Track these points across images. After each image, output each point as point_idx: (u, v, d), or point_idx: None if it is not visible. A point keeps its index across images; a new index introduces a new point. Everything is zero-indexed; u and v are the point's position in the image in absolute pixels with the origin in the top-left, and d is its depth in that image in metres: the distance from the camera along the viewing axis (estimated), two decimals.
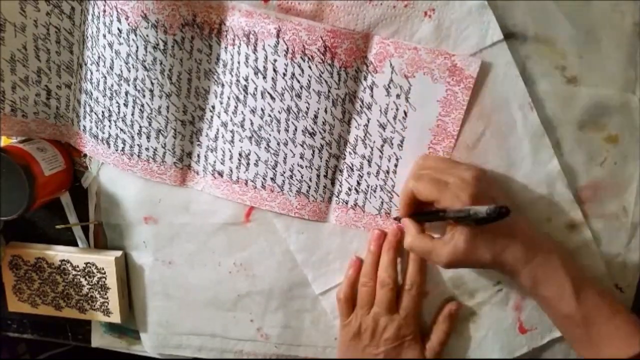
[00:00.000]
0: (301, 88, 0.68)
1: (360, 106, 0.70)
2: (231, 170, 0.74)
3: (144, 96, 0.71)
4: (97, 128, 0.75)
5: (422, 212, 0.69)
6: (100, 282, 0.83)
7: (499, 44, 0.64)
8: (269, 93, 0.69)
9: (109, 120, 0.74)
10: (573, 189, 0.70)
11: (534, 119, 0.67)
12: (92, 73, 0.73)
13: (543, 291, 0.65)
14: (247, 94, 0.70)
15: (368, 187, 0.74)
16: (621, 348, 0.62)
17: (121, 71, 0.70)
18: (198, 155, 0.76)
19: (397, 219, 0.73)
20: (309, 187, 0.74)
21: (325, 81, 0.68)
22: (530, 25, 0.64)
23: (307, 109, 0.69)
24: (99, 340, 0.93)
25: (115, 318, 0.85)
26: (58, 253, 0.83)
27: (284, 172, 0.73)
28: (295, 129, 0.70)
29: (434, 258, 0.65)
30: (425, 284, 0.75)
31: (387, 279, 0.73)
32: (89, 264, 0.82)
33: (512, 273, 0.65)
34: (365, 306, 0.75)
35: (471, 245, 0.62)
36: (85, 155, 0.80)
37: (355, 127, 0.71)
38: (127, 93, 0.72)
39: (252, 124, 0.71)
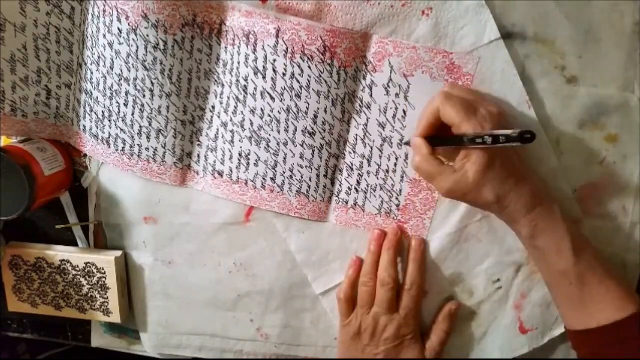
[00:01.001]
0: (301, 88, 0.68)
1: (360, 106, 0.70)
2: (231, 171, 0.75)
3: (144, 96, 0.71)
4: (97, 128, 0.76)
5: (436, 136, 0.66)
6: (100, 282, 0.83)
7: (497, 42, 0.65)
8: (268, 93, 0.69)
9: (109, 120, 0.74)
10: (572, 188, 0.70)
11: (532, 116, 0.67)
12: (92, 73, 0.73)
13: (542, 242, 0.64)
14: (247, 94, 0.70)
15: (368, 187, 0.74)
16: (610, 311, 0.63)
17: (121, 71, 0.70)
18: (198, 156, 0.76)
19: (407, 143, 0.70)
20: (309, 187, 0.74)
21: (325, 81, 0.68)
22: (529, 25, 0.65)
23: (307, 109, 0.69)
24: (99, 340, 0.93)
25: (115, 318, 0.85)
26: (58, 253, 0.83)
27: (284, 172, 0.73)
28: (295, 129, 0.71)
29: (438, 183, 0.64)
30: (425, 284, 0.75)
31: (388, 279, 0.72)
32: (89, 264, 0.82)
33: (511, 219, 0.64)
34: (365, 306, 0.75)
35: (480, 179, 0.60)
36: (85, 155, 0.80)
37: (355, 127, 0.71)
38: (127, 93, 0.72)
39: (252, 124, 0.71)
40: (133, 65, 0.69)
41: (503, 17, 0.64)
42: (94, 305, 0.85)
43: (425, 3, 0.64)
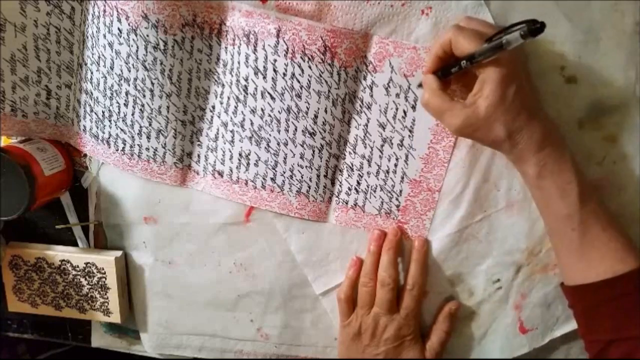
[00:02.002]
0: (301, 88, 0.68)
1: (360, 106, 0.70)
2: (231, 170, 0.75)
3: (144, 96, 0.71)
4: (97, 128, 0.76)
5: (445, 67, 0.63)
6: (100, 282, 0.83)
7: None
8: (269, 93, 0.69)
9: (109, 120, 0.74)
10: None
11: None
12: (92, 73, 0.73)
13: (548, 183, 0.62)
14: (247, 94, 0.70)
15: (368, 187, 0.74)
16: (610, 261, 0.62)
17: (121, 71, 0.70)
18: (198, 155, 0.76)
19: (420, 86, 0.67)
20: (309, 187, 0.74)
21: (325, 81, 0.68)
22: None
23: (307, 108, 0.69)
24: (99, 340, 0.93)
25: (115, 318, 0.85)
26: (58, 253, 0.83)
27: (284, 172, 0.73)
28: (295, 129, 0.71)
29: (448, 119, 0.62)
30: (426, 284, 0.76)
31: (388, 279, 0.72)
32: (89, 264, 0.82)
33: (519, 158, 0.62)
34: (365, 306, 0.75)
35: (491, 113, 0.58)
36: (85, 155, 0.80)
37: (355, 127, 0.71)
38: (127, 93, 0.72)
39: (252, 124, 0.71)
40: (133, 65, 0.69)
41: (502, 16, 0.64)
42: (94, 305, 0.85)
43: (425, 2, 0.64)
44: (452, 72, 0.62)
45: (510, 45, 0.53)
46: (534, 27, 0.50)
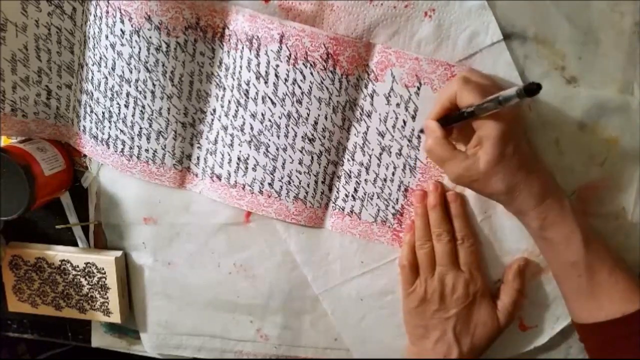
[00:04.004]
0: (302, 94, 0.68)
1: (360, 114, 0.70)
2: (229, 174, 0.75)
3: (145, 97, 0.71)
4: (97, 129, 0.76)
5: (447, 116, 0.65)
6: (100, 282, 0.83)
7: (499, 44, 0.64)
8: (269, 98, 0.69)
9: (109, 121, 0.74)
10: (572, 189, 0.70)
11: (532, 117, 0.67)
12: (93, 74, 0.73)
13: (552, 234, 0.64)
14: (248, 98, 0.70)
15: (365, 195, 0.74)
16: (619, 302, 0.62)
17: (123, 72, 0.70)
18: (197, 158, 0.76)
19: (422, 131, 0.69)
20: (307, 193, 0.74)
21: (327, 88, 0.68)
22: (529, 25, 0.64)
23: (308, 115, 0.69)
24: (99, 340, 0.93)
25: (115, 318, 0.86)
26: (58, 253, 0.83)
27: (282, 178, 0.73)
28: (295, 135, 0.71)
29: (448, 168, 0.63)
30: (475, 234, 0.73)
31: (442, 232, 0.71)
32: (89, 264, 0.82)
33: (520, 211, 0.64)
34: (427, 269, 0.73)
35: (491, 167, 0.60)
36: (85, 156, 0.80)
37: (355, 135, 0.72)
38: (128, 94, 0.72)
39: (252, 128, 0.71)
40: (135, 66, 0.69)
41: (503, 17, 0.64)
42: (94, 305, 0.85)
43: (428, 4, 0.64)
44: (454, 121, 0.64)
45: (507, 102, 0.54)
46: (530, 88, 0.51)
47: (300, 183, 0.73)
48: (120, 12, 0.67)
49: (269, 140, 0.71)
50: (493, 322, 0.73)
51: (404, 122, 0.70)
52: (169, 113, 0.72)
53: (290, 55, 0.66)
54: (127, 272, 0.86)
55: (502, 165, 0.60)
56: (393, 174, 0.72)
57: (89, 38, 0.71)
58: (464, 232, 0.71)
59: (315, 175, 0.73)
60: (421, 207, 0.72)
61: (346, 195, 0.75)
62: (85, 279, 0.84)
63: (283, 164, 0.72)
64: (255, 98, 0.70)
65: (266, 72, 0.68)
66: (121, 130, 0.74)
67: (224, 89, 0.71)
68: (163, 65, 0.69)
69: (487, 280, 0.75)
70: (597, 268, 0.63)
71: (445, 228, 0.71)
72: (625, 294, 0.63)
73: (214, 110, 0.73)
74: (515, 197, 0.62)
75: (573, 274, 0.64)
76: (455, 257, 0.72)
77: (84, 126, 0.77)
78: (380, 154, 0.72)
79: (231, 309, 0.84)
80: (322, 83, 0.68)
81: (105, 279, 0.83)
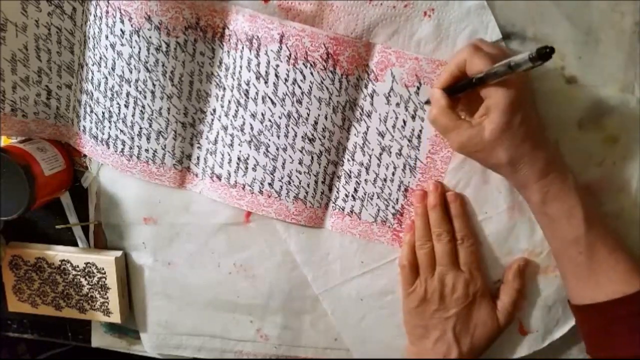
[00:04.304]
0: (302, 94, 0.68)
1: (360, 114, 0.70)
2: (229, 174, 0.75)
3: (145, 97, 0.71)
4: (97, 129, 0.76)
5: (454, 85, 0.63)
6: (100, 282, 0.83)
7: (498, 43, 0.64)
8: (269, 98, 0.69)
9: (109, 121, 0.74)
10: None
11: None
12: (93, 74, 0.73)
13: (553, 209, 0.63)
14: (248, 98, 0.70)
15: (365, 195, 0.74)
16: (618, 283, 0.62)
17: (123, 72, 0.70)
18: (197, 158, 0.76)
19: (427, 102, 0.68)
20: (307, 193, 0.74)
21: (327, 88, 0.68)
22: (529, 25, 0.64)
23: (308, 115, 0.69)
24: (99, 340, 0.94)
25: (115, 318, 0.86)
26: (58, 253, 0.83)
27: (282, 178, 0.73)
28: (295, 135, 0.71)
29: (452, 137, 0.62)
30: (475, 234, 0.73)
31: (442, 232, 0.71)
32: (89, 264, 0.82)
33: (521, 184, 0.63)
34: (427, 269, 0.73)
35: (496, 137, 0.59)
36: (85, 155, 0.80)
37: (355, 135, 0.72)
38: (128, 94, 0.72)
39: (252, 128, 0.71)
40: (135, 66, 0.69)
41: (502, 17, 0.64)
42: (94, 305, 0.85)
43: (428, 4, 0.64)
44: (461, 89, 0.62)
45: (519, 67, 0.53)
46: (543, 51, 0.49)
47: (300, 183, 0.73)
48: (120, 12, 0.67)
49: (269, 140, 0.71)
50: (493, 322, 0.73)
51: (404, 122, 0.70)
52: (169, 113, 0.72)
53: (290, 55, 0.66)
54: (127, 272, 0.86)
55: (508, 136, 0.59)
56: (393, 174, 0.72)
57: (89, 38, 0.71)
58: (464, 232, 0.71)
59: (315, 175, 0.73)
60: (421, 207, 0.72)
61: (346, 195, 0.75)
62: (85, 279, 0.84)
63: (283, 164, 0.72)
64: (255, 98, 0.70)
65: (266, 72, 0.68)
66: (121, 130, 0.74)
67: (224, 89, 0.71)
68: (163, 65, 0.69)
69: (487, 281, 0.75)
70: (598, 246, 0.62)
71: (445, 228, 0.71)
72: (625, 274, 0.62)
73: (214, 110, 0.73)
74: (518, 169, 0.61)
75: (573, 251, 0.63)
76: (455, 257, 0.72)
77: (84, 126, 0.77)
78: (380, 154, 0.72)
79: (231, 309, 0.84)
80: (322, 83, 0.68)
81: (105, 279, 0.83)
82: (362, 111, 0.70)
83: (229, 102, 0.71)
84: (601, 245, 0.63)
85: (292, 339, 0.85)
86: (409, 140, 0.70)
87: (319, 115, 0.69)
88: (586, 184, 0.69)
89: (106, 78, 0.72)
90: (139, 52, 0.68)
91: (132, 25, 0.67)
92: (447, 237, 0.71)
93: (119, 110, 0.73)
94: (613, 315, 0.62)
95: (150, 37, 0.67)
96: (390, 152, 0.71)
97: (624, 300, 0.61)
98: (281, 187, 0.74)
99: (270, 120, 0.70)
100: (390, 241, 0.75)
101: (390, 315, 0.79)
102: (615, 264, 0.62)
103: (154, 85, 0.70)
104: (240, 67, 0.69)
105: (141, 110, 0.72)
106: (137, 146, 0.75)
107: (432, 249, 0.72)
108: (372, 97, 0.69)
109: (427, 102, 0.68)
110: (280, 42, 0.66)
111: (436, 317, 0.73)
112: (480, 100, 0.61)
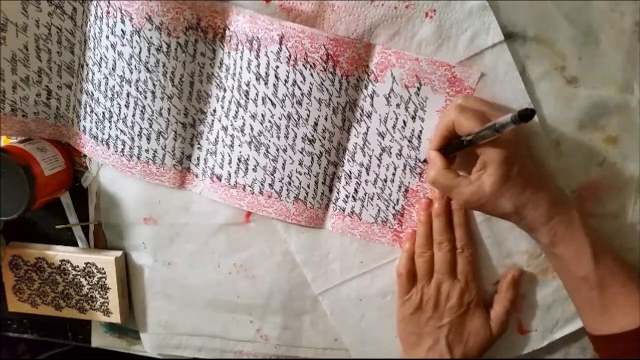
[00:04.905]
0: (302, 95, 0.68)
1: (360, 114, 0.71)
2: (229, 175, 0.75)
3: (145, 98, 0.71)
4: (97, 129, 0.76)
5: (447, 145, 0.66)
6: (100, 282, 0.83)
7: (500, 44, 0.64)
8: (269, 99, 0.69)
9: (110, 122, 0.74)
10: (572, 189, 0.70)
11: (533, 119, 0.67)
12: (93, 74, 0.73)
13: (561, 250, 0.64)
14: (248, 99, 0.70)
15: (365, 195, 0.74)
16: (632, 314, 0.62)
17: (123, 72, 0.70)
18: (198, 158, 0.76)
19: (425, 161, 0.71)
20: (307, 193, 0.74)
21: (327, 89, 0.68)
22: (530, 25, 0.64)
23: (308, 116, 0.70)
24: (99, 340, 0.94)
25: (115, 318, 0.86)
26: (58, 253, 0.83)
27: (282, 179, 0.73)
28: (295, 136, 0.71)
29: (455, 195, 0.64)
30: (475, 245, 0.74)
31: (444, 240, 0.71)
32: (89, 264, 0.82)
33: (530, 229, 0.64)
34: (425, 277, 0.73)
35: (496, 190, 0.61)
36: (85, 156, 0.80)
37: (355, 135, 0.72)
38: (128, 94, 0.72)
39: (252, 129, 0.71)
40: (135, 66, 0.69)
41: (504, 18, 0.64)
42: (94, 305, 0.85)
43: (429, 5, 0.64)
44: (455, 149, 0.65)
45: (504, 129, 0.55)
46: (524, 113, 0.51)
47: (300, 184, 0.73)
48: (121, 13, 0.67)
49: (269, 141, 0.71)
50: (486, 332, 0.74)
51: (404, 122, 0.70)
52: (169, 113, 0.72)
53: (290, 56, 0.66)
54: (127, 272, 0.86)
55: (508, 187, 0.61)
56: (393, 174, 0.72)
57: (90, 38, 0.71)
58: (465, 241, 0.72)
59: (315, 176, 0.73)
60: (425, 214, 0.73)
61: (346, 196, 0.75)
62: (85, 279, 0.84)
63: (283, 164, 0.72)
64: (255, 99, 0.70)
65: (266, 73, 0.68)
66: (121, 131, 0.74)
67: (225, 89, 0.71)
68: (164, 65, 0.69)
69: (482, 291, 0.76)
70: (608, 282, 0.63)
71: (447, 237, 0.72)
72: (637, 306, 0.63)
73: (214, 111, 0.73)
74: (524, 216, 0.63)
75: (584, 288, 0.65)
76: (453, 266, 0.73)
77: (84, 126, 0.77)
78: (381, 155, 0.72)
79: (231, 309, 0.84)
80: (322, 84, 0.68)
81: (105, 279, 0.83)
82: (362, 112, 0.70)
83: (229, 102, 0.71)
84: (611, 279, 0.63)
85: (292, 339, 0.85)
86: (409, 141, 0.70)
87: (319, 116, 0.70)
88: (586, 184, 0.69)
89: (107, 78, 0.72)
90: (140, 53, 0.68)
91: (132, 26, 0.67)
92: (448, 246, 0.72)
93: (119, 110, 0.73)
94: (629, 346, 0.63)
95: (151, 38, 0.67)
96: (391, 153, 0.71)
97: (638, 332, 0.62)
98: (281, 187, 0.74)
99: (270, 121, 0.70)
100: (391, 242, 0.76)
101: (390, 315, 0.79)
102: (628, 296, 0.63)
103: (154, 85, 0.70)
104: (241, 68, 0.69)
105: (141, 111, 0.72)
106: (137, 146, 0.75)
107: (432, 257, 0.73)
108: (372, 98, 0.69)
109: (425, 161, 0.70)
110: (280, 43, 0.66)
111: (430, 325, 0.74)
112: (476, 154, 0.62)
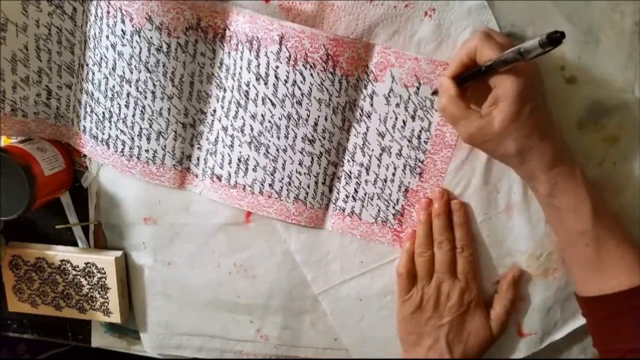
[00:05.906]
0: (302, 95, 0.68)
1: (360, 114, 0.71)
2: (229, 175, 0.75)
3: (145, 98, 0.71)
4: (97, 129, 0.76)
5: (464, 74, 0.63)
6: (100, 282, 0.83)
7: None
8: (269, 99, 0.69)
9: (110, 122, 0.74)
10: None
11: None
12: (93, 74, 0.73)
13: (560, 202, 0.63)
14: (248, 99, 0.70)
15: (365, 195, 0.74)
16: (625, 275, 0.62)
17: (123, 72, 0.70)
18: (197, 159, 0.76)
19: (435, 93, 0.68)
20: (307, 193, 0.74)
21: (326, 89, 0.68)
22: (529, 25, 0.64)
23: (308, 116, 0.70)
24: (99, 340, 0.94)
25: (115, 318, 0.86)
26: (58, 253, 0.83)
27: (282, 179, 0.73)
28: (295, 136, 0.71)
29: (461, 127, 0.62)
30: (475, 245, 0.74)
31: (444, 240, 0.71)
32: (89, 264, 0.82)
33: (530, 175, 0.63)
34: (425, 277, 0.73)
35: (505, 127, 0.58)
36: (85, 156, 0.80)
37: (355, 135, 0.72)
38: (128, 94, 0.72)
39: (252, 129, 0.71)
40: (135, 66, 0.69)
41: (502, 17, 0.64)
42: (94, 305, 0.85)
43: (428, 4, 0.64)
44: (470, 78, 0.62)
45: (529, 54, 0.52)
46: (554, 36, 0.49)
47: (300, 184, 0.73)
48: (121, 13, 0.67)
49: (269, 141, 0.71)
50: (486, 331, 0.74)
51: (404, 122, 0.70)
52: (169, 113, 0.72)
53: (290, 56, 0.66)
54: (127, 272, 0.86)
55: (517, 126, 0.59)
56: (393, 174, 0.72)
57: (90, 38, 0.71)
58: (464, 241, 0.72)
59: (315, 176, 0.73)
60: (425, 214, 0.72)
61: (346, 196, 0.75)
62: (85, 279, 0.84)
63: (283, 164, 0.72)
64: (255, 99, 0.70)
65: (266, 73, 0.68)
66: (121, 131, 0.74)
67: (225, 89, 0.71)
68: (164, 65, 0.69)
69: (482, 291, 0.76)
70: (605, 239, 0.62)
71: (447, 236, 0.71)
72: (632, 267, 0.62)
73: (214, 111, 0.73)
74: (526, 161, 0.61)
75: (580, 243, 0.64)
76: (453, 266, 0.73)
77: (84, 126, 0.77)
78: (380, 155, 0.72)
79: (231, 309, 0.84)
80: (322, 84, 0.68)
81: (105, 279, 0.83)
82: (362, 112, 0.70)
83: (229, 103, 0.72)
84: (608, 237, 0.63)
85: (292, 339, 0.85)
86: (409, 141, 0.70)
87: (318, 116, 0.70)
88: None
89: (107, 78, 0.72)
90: (140, 53, 0.68)
91: (133, 26, 0.67)
92: (448, 246, 0.71)
93: (120, 110, 0.73)
94: (619, 308, 0.62)
95: (151, 38, 0.67)
96: (390, 153, 0.71)
97: (630, 293, 0.61)
98: (281, 187, 0.74)
99: (270, 122, 0.70)
100: (391, 242, 0.76)
101: (390, 315, 0.79)
102: (622, 256, 0.63)
103: (154, 85, 0.70)
104: (241, 68, 0.69)
105: (141, 111, 0.72)
106: (137, 146, 0.75)
107: (432, 257, 0.73)
108: (371, 98, 0.69)
109: (435, 93, 0.68)
110: (280, 43, 0.66)
111: (430, 324, 0.74)
112: (488, 91, 0.60)
